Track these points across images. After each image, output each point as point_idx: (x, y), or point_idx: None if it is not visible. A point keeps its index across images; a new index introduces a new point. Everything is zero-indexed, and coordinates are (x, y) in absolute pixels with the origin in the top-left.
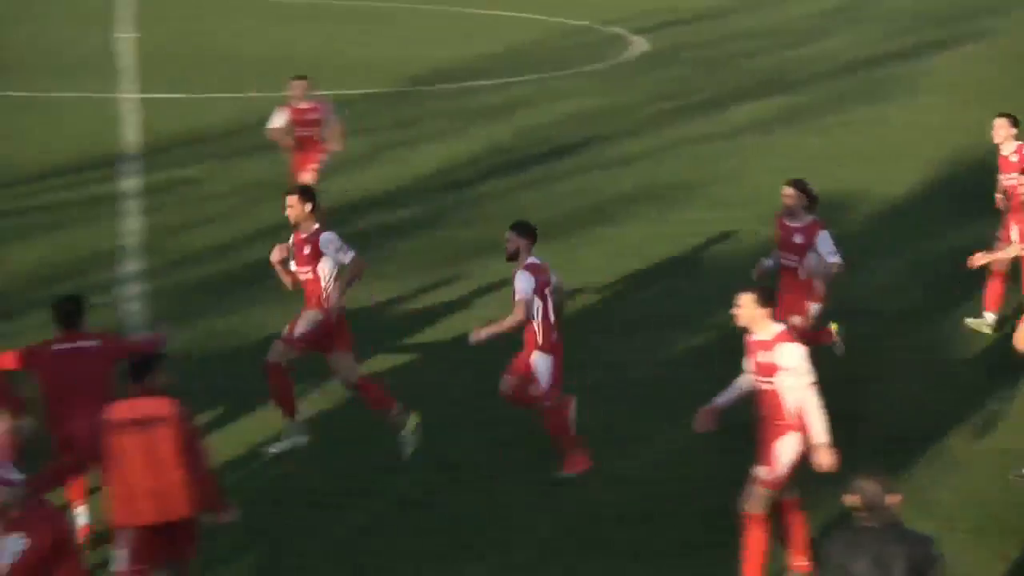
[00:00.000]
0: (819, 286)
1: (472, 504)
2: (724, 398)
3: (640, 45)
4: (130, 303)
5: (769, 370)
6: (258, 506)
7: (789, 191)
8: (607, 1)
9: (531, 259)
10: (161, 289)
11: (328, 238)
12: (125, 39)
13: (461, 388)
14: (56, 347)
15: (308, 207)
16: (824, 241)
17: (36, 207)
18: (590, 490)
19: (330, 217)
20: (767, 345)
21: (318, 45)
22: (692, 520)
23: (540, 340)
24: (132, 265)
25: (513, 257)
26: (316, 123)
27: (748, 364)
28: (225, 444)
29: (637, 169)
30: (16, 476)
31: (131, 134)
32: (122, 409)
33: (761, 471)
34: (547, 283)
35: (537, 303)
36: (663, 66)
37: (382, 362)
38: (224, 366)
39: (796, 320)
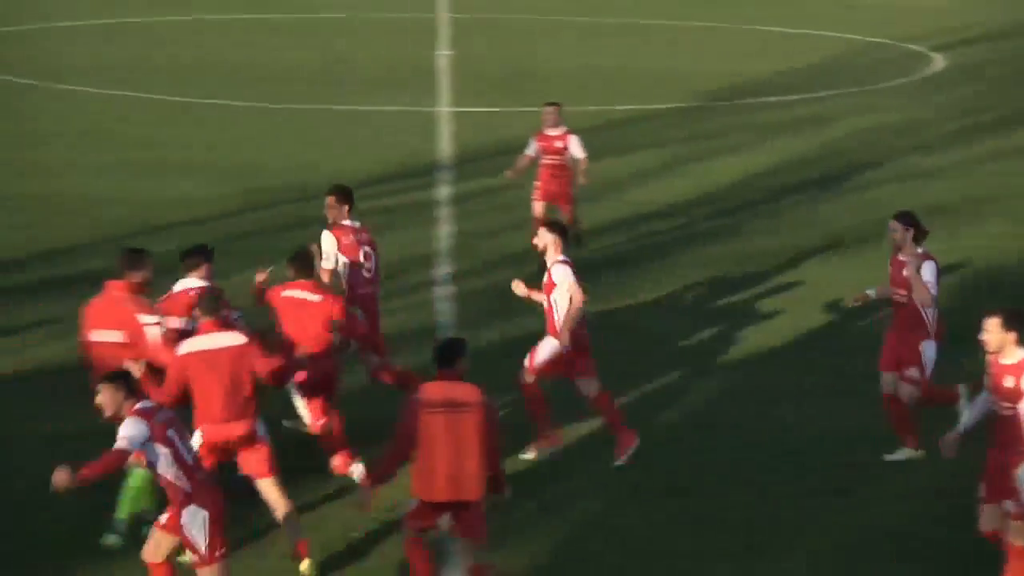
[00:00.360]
0: (930, 318)
1: (746, 507)
2: (968, 422)
3: (940, 62)
4: (442, 303)
5: (1016, 396)
6: (546, 494)
7: (894, 224)
8: (908, 19)
9: (565, 256)
10: (470, 291)
11: (324, 236)
12: (443, 56)
13: (749, 391)
14: (286, 292)
15: (345, 208)
16: (927, 270)
17: (359, 213)
18: (871, 503)
19: (621, 227)
20: (1014, 370)
21: (621, 61)
22: (972, 540)
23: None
24: (444, 268)
25: (543, 253)
26: (563, 152)
27: (990, 387)
28: (513, 437)
29: (933, 184)
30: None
31: (445, 145)
32: (433, 390)
33: (1009, 504)
34: (578, 278)
35: (564, 296)
36: (962, 83)
37: (671, 364)
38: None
39: (913, 373)
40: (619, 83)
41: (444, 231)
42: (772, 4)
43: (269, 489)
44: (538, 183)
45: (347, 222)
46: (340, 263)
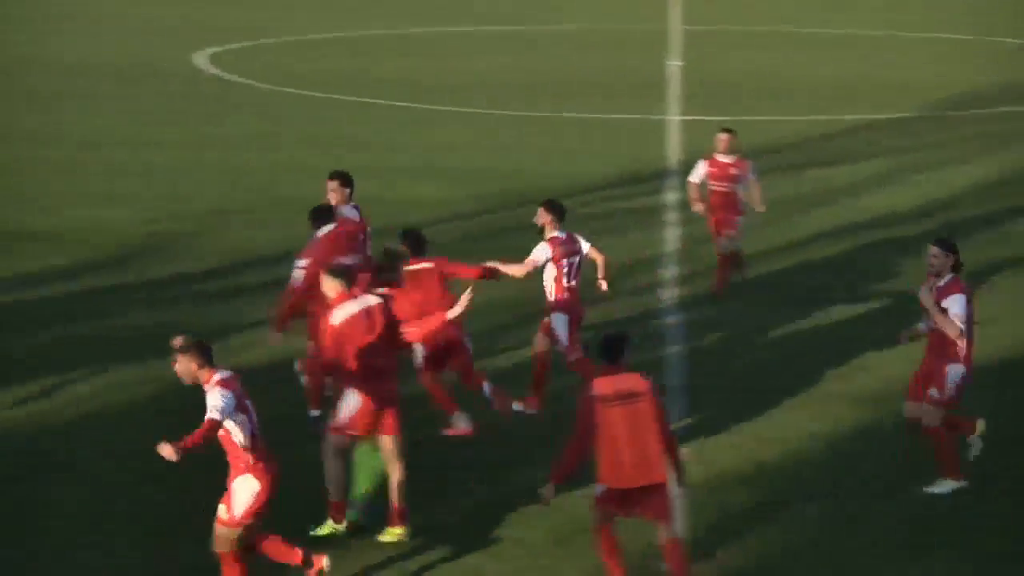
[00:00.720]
0: (961, 348)
1: (899, 508)
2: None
3: None
4: (667, 304)
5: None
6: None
7: (935, 250)
8: None
9: (556, 233)
10: (694, 294)
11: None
12: (674, 66)
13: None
14: (407, 267)
15: (347, 191)
16: (954, 303)
17: (591, 215)
18: None
19: (842, 233)
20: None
21: (851, 71)
22: None
23: (552, 298)
24: (670, 271)
25: (541, 231)
26: (735, 179)
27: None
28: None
29: None
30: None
31: (673, 152)
32: (606, 384)
33: None
34: (568, 254)
35: (551, 270)
36: None
37: (858, 363)
38: (743, 364)
39: (934, 393)
40: (846, 93)
41: (670, 235)
42: (1006, 15)
43: (392, 447)
44: (709, 214)
45: (349, 204)
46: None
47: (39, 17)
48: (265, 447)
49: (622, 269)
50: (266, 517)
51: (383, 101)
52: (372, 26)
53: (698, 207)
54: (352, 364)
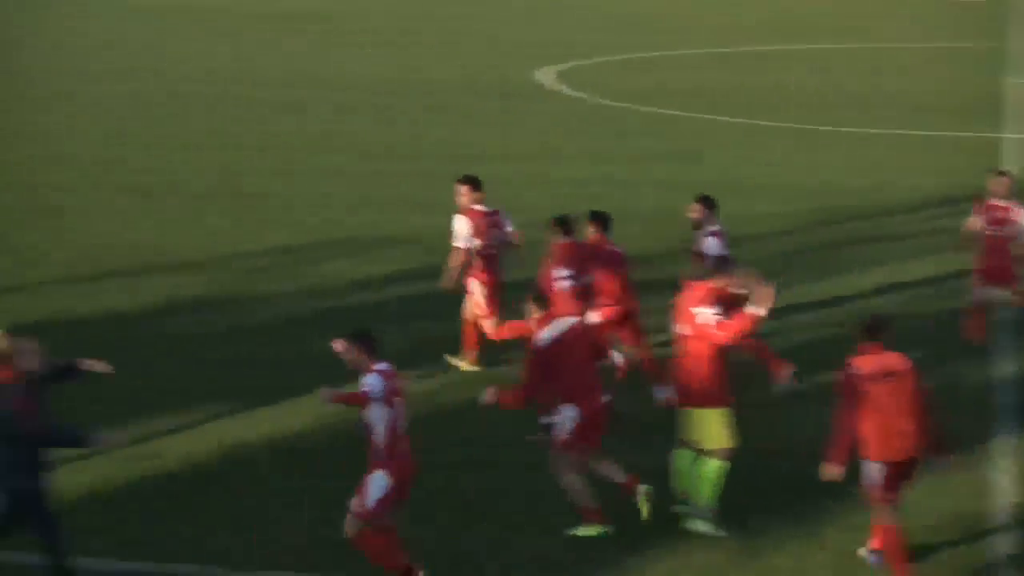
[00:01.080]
0: None
1: None
2: None
3: None
4: (994, 323)
5: None
6: None
7: None
8: None
9: (714, 226)
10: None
11: (456, 219)
12: (1015, 84)
13: None
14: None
15: (477, 195)
16: None
17: (926, 231)
18: None
19: None
20: None
21: None
22: None
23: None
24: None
25: (697, 225)
26: (1004, 224)
27: None
28: None
29: None
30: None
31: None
32: (870, 362)
33: None
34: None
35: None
36: None
37: None
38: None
39: None
40: None
41: None
42: None
43: (598, 462)
44: (979, 259)
45: (479, 207)
46: (473, 243)
47: (388, 32)
48: (404, 447)
49: (938, 292)
50: (395, 514)
51: (714, 117)
52: (706, 44)
53: (963, 251)
54: (562, 383)
